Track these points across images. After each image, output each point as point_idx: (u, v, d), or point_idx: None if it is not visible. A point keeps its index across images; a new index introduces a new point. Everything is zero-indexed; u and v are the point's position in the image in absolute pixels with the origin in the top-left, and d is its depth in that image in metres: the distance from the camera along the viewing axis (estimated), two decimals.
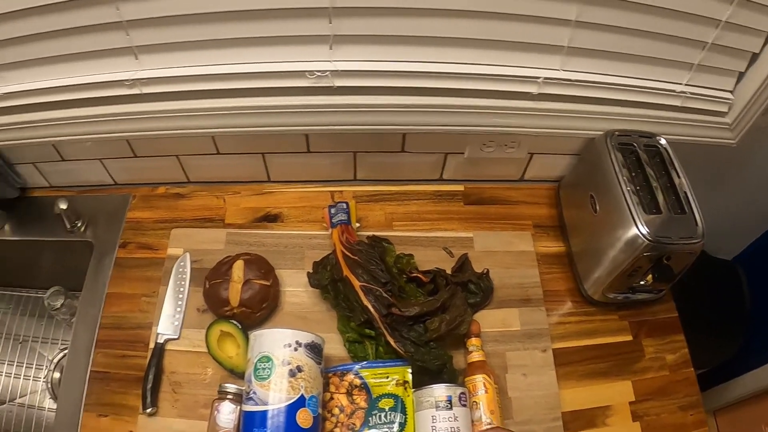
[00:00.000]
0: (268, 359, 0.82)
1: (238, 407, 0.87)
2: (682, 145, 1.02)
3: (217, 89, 0.97)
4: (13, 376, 1.25)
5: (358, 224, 1.09)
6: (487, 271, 1.05)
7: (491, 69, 0.96)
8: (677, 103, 1.03)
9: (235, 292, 0.95)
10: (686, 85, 1.01)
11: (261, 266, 1.00)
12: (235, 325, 0.96)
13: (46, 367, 1.26)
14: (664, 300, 1.08)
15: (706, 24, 0.92)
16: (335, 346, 0.98)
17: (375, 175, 1.19)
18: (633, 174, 0.96)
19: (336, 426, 0.87)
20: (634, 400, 0.99)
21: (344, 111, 1.00)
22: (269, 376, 0.81)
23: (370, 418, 0.87)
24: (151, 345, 0.98)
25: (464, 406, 0.86)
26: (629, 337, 1.05)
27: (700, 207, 0.92)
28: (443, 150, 1.13)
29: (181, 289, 1.04)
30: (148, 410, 0.92)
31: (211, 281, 0.98)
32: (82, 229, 1.14)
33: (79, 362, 0.99)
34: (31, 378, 1.25)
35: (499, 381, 0.95)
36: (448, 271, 1.05)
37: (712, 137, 1.09)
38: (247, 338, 0.94)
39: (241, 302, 0.95)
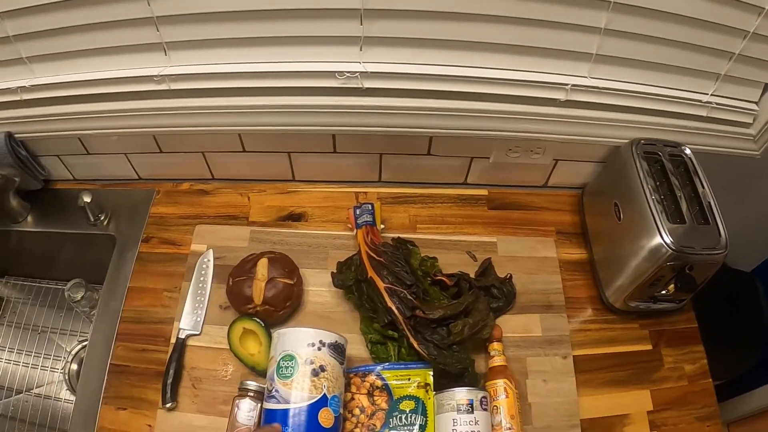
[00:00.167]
0: (292, 358, 0.82)
1: (259, 405, 0.87)
2: (704, 155, 1.02)
3: (245, 87, 0.98)
4: (30, 366, 1.26)
5: (382, 226, 1.10)
6: (510, 276, 1.05)
7: (520, 74, 0.96)
8: (702, 113, 1.03)
9: (258, 290, 0.96)
10: (712, 95, 1.01)
11: (285, 265, 1.00)
12: (258, 322, 0.96)
13: (64, 358, 1.27)
14: (684, 310, 1.07)
15: (734, 34, 0.92)
16: (357, 347, 0.98)
17: (399, 177, 1.20)
18: (658, 183, 0.96)
19: (356, 426, 0.87)
20: (652, 410, 0.99)
21: (372, 112, 1.00)
22: (292, 374, 0.81)
23: (390, 420, 0.87)
24: (173, 340, 0.99)
25: (485, 410, 0.86)
26: (649, 347, 1.04)
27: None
28: (469, 154, 1.13)
29: (204, 286, 1.04)
30: (168, 405, 0.92)
31: (234, 278, 0.99)
32: (105, 222, 1.15)
33: (99, 355, 1.00)
34: (49, 369, 1.26)
35: (519, 386, 0.95)
36: (472, 275, 1.05)
37: (736, 148, 1.09)
38: (269, 336, 0.94)
39: (265, 300, 0.95)
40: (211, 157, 1.15)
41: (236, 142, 1.10)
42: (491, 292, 1.02)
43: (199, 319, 1.01)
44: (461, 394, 0.86)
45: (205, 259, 1.07)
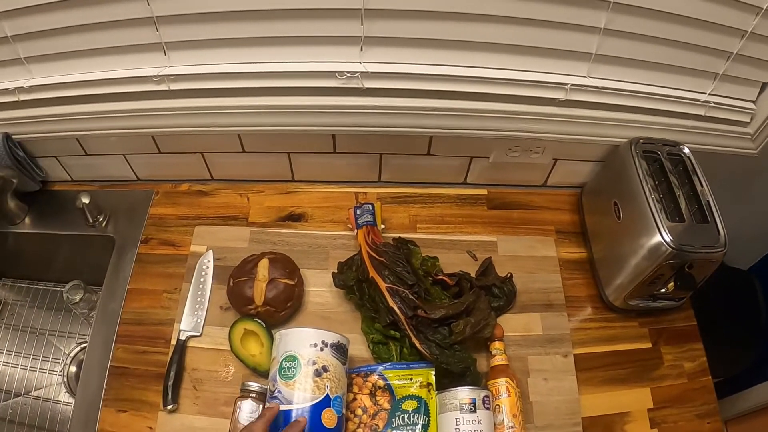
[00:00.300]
0: (294, 358, 0.82)
1: (261, 406, 0.87)
2: (703, 154, 1.03)
3: (245, 87, 0.97)
4: (29, 368, 1.25)
5: (383, 226, 1.10)
6: (511, 275, 1.05)
7: (519, 74, 0.97)
8: (701, 112, 1.03)
9: (259, 291, 0.96)
10: (710, 94, 1.02)
11: (286, 265, 1.00)
12: (260, 323, 0.96)
13: (63, 360, 1.26)
14: (683, 308, 1.08)
15: (732, 34, 0.92)
16: (358, 347, 0.98)
17: (399, 177, 1.20)
18: (657, 182, 0.96)
19: (359, 427, 0.88)
20: (652, 407, 0.99)
21: (372, 112, 1.00)
22: (295, 375, 0.81)
23: (393, 420, 0.87)
24: (173, 341, 0.98)
25: (488, 409, 0.87)
26: (648, 345, 1.05)
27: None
28: (469, 154, 1.14)
29: (204, 287, 1.04)
30: (169, 407, 0.92)
31: (235, 279, 0.98)
32: (104, 223, 1.14)
33: (99, 357, 1.00)
34: (47, 371, 1.25)
35: (520, 385, 0.95)
36: (472, 275, 1.05)
37: (734, 147, 1.10)
38: (270, 337, 0.94)
39: (266, 301, 0.95)
40: (210, 157, 1.15)
41: (236, 142, 1.10)
42: (492, 291, 1.03)
43: (199, 320, 1.01)
44: (464, 394, 0.87)
45: (205, 260, 1.06)
